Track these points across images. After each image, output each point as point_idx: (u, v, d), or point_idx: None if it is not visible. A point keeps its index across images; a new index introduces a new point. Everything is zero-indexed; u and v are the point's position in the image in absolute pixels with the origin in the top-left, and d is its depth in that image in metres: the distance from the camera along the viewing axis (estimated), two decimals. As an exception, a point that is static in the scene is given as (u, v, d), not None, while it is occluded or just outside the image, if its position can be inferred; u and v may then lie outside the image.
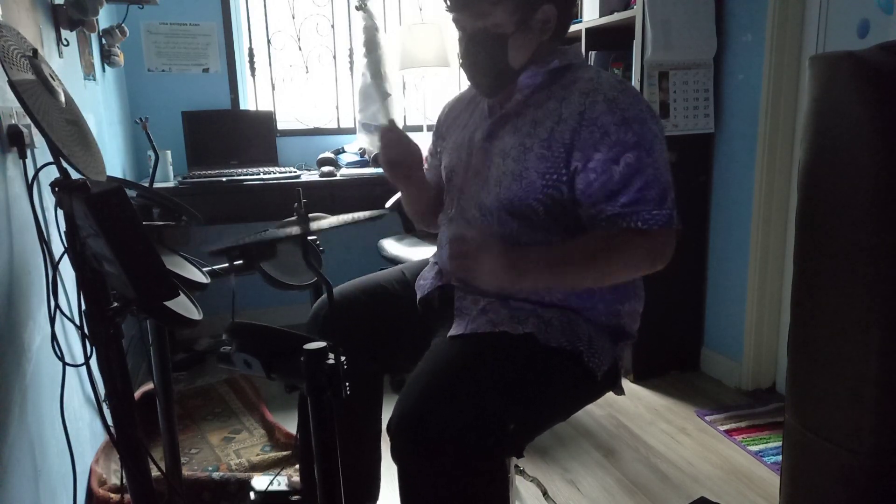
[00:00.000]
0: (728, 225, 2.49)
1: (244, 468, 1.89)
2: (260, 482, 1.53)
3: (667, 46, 2.33)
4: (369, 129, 3.12)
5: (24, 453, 1.23)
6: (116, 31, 2.47)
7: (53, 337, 1.16)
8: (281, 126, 3.20)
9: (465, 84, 1.31)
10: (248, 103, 3.22)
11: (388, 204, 2.60)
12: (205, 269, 1.48)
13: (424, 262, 1.46)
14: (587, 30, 2.65)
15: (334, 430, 0.96)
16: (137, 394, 2.02)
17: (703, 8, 2.35)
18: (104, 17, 2.51)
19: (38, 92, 1.01)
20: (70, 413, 1.50)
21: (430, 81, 3.44)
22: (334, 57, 3.34)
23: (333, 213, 1.21)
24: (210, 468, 1.87)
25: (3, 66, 0.94)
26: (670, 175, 1.13)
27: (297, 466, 1.74)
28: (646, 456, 2.02)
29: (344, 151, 3.13)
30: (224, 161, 2.96)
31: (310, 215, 1.13)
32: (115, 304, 1.06)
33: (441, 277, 1.33)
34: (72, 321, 1.33)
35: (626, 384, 2.54)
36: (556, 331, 1.14)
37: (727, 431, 2.14)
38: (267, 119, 3.07)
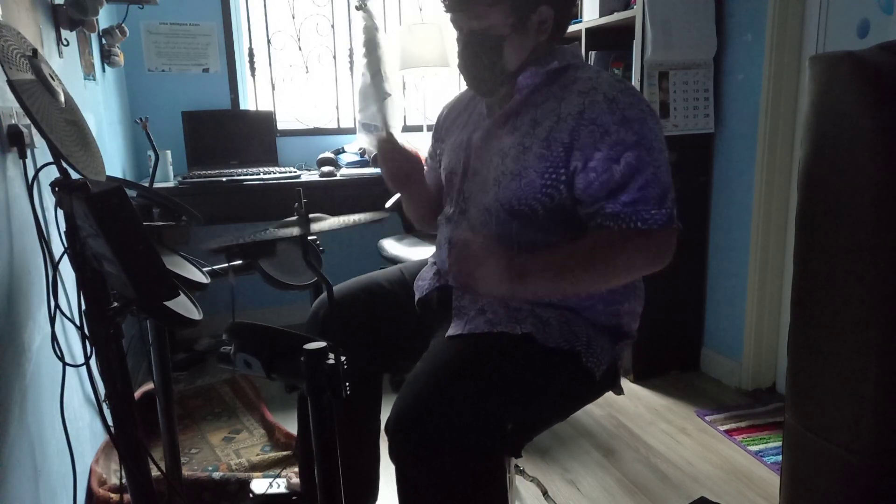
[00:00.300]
0: (728, 225, 2.49)
1: (244, 468, 1.89)
2: (259, 485, 1.53)
3: (667, 46, 2.33)
4: (369, 129, 3.12)
5: (24, 453, 1.23)
6: (116, 31, 2.47)
7: (53, 337, 1.16)
8: (281, 126, 3.20)
9: (465, 84, 1.31)
10: (248, 103, 3.22)
11: (388, 204, 2.60)
12: (205, 269, 1.48)
13: (423, 263, 1.46)
14: (587, 30, 2.65)
15: (334, 431, 0.96)
16: (137, 394, 2.02)
17: (703, 8, 2.35)
18: (104, 17, 2.51)
19: (37, 92, 1.01)
20: (70, 413, 1.50)
21: (430, 81, 3.44)
22: (334, 57, 3.34)
23: (333, 213, 1.21)
24: (210, 468, 1.87)
25: (2, 66, 0.94)
26: (670, 175, 1.13)
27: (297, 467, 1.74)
28: (646, 456, 2.02)
29: (344, 151, 3.13)
30: (224, 161, 2.96)
31: (310, 215, 1.13)
32: (115, 304, 1.06)
33: (439, 278, 1.33)
34: (72, 321, 1.33)
35: (626, 384, 2.54)
36: (555, 331, 1.14)
37: (727, 431, 2.14)
38: (267, 119, 3.07)
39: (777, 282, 2.39)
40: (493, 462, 1.05)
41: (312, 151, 3.20)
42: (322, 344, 0.92)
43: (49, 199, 1.40)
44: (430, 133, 1.53)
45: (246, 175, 2.73)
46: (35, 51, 1.07)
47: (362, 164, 2.96)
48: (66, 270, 1.16)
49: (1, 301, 1.17)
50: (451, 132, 1.40)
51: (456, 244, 1.07)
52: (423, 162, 1.51)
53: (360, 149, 3.09)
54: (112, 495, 1.60)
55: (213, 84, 3.11)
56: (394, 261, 2.47)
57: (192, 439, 2.15)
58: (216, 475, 1.77)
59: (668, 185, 1.12)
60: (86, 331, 1.07)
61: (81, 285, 1.04)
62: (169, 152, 2.79)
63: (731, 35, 2.38)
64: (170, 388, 1.51)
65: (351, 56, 3.34)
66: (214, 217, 2.59)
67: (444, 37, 3.06)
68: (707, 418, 2.23)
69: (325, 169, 2.86)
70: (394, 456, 1.04)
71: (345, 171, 2.90)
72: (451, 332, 1.17)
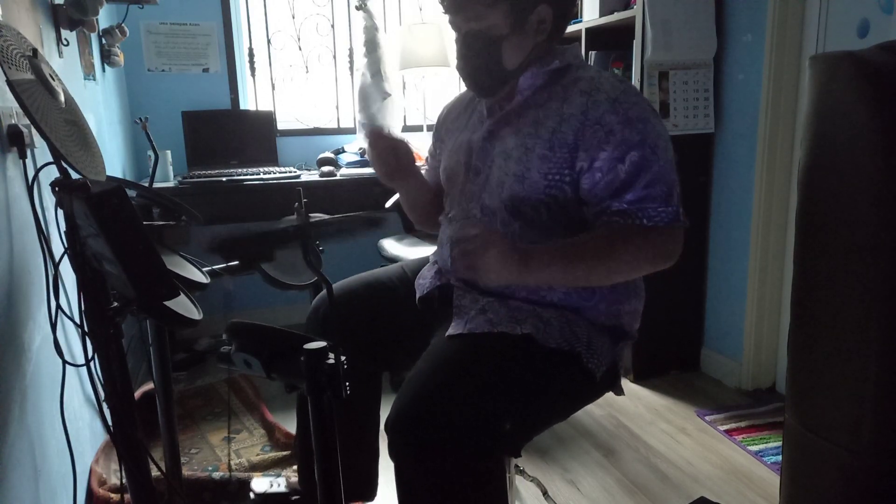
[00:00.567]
0: (728, 225, 2.49)
1: (244, 468, 1.89)
2: (259, 484, 1.53)
3: (667, 46, 2.33)
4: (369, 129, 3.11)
5: (24, 453, 1.23)
6: (116, 31, 2.47)
7: (55, 337, 1.16)
8: (281, 126, 3.20)
9: (465, 85, 1.31)
10: (248, 103, 3.22)
11: (388, 204, 2.61)
12: (205, 269, 1.48)
13: (424, 260, 1.46)
14: (587, 30, 2.65)
15: (334, 430, 0.96)
16: (137, 394, 2.02)
17: (703, 8, 2.35)
18: (104, 17, 2.51)
19: (37, 92, 1.01)
20: (70, 413, 1.50)
21: (430, 81, 3.44)
22: (334, 57, 3.34)
23: (333, 213, 1.21)
24: (210, 468, 1.87)
25: (2, 67, 0.94)
26: (676, 174, 1.13)
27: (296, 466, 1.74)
28: (646, 456, 2.02)
29: (344, 151, 3.13)
30: (224, 161, 2.96)
31: (310, 216, 1.13)
32: (115, 304, 1.06)
33: (441, 277, 1.33)
34: (72, 321, 1.33)
35: (626, 384, 2.54)
36: (555, 331, 1.14)
37: (727, 431, 2.14)
38: (267, 119, 3.07)
39: (777, 282, 2.39)
40: (493, 462, 1.05)
41: (312, 151, 3.20)
42: (322, 344, 0.92)
43: (49, 199, 1.40)
44: (431, 133, 1.53)
45: (246, 175, 2.73)
46: (35, 51, 1.07)
47: (362, 164, 2.96)
48: (66, 270, 1.16)
49: (1, 301, 1.17)
50: (451, 133, 1.40)
51: (459, 238, 1.06)
52: (419, 158, 1.51)
53: (360, 149, 3.09)
54: (112, 495, 1.60)
55: (213, 84, 3.11)
56: (394, 261, 2.47)
57: (192, 439, 2.15)
58: (216, 475, 1.77)
59: (674, 183, 1.12)
60: (86, 331, 1.07)
61: (81, 285, 1.04)
62: (169, 152, 2.79)
63: (731, 35, 2.38)
64: (170, 388, 1.51)
65: (351, 56, 3.34)
66: (214, 217, 2.59)
67: (444, 37, 3.06)
68: (707, 418, 2.23)
69: (325, 169, 2.86)
70: (393, 454, 1.04)
71: (345, 171, 2.90)
72: (451, 331, 1.17)
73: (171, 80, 3.05)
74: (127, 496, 1.20)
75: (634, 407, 2.36)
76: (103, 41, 2.47)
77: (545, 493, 1.76)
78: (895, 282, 1.08)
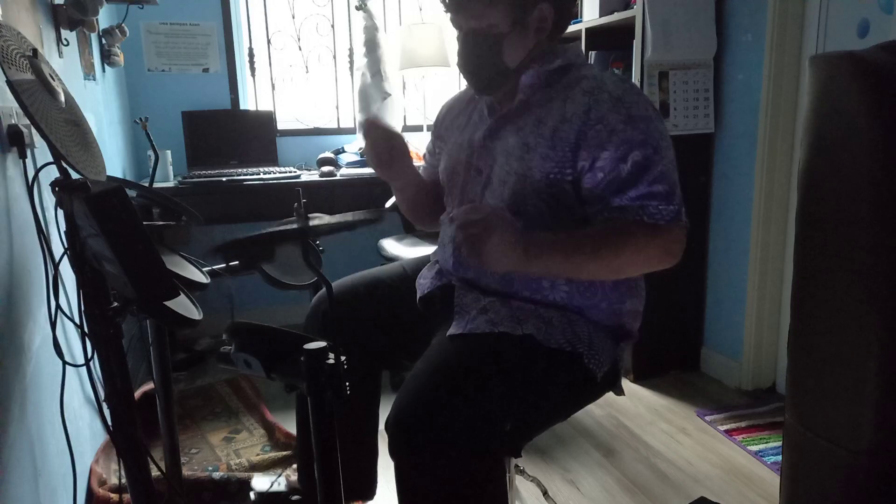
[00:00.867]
0: (728, 225, 2.49)
1: (244, 468, 1.89)
2: (260, 483, 1.53)
3: (667, 46, 2.33)
4: (369, 129, 3.11)
5: (24, 453, 1.23)
6: (116, 31, 2.47)
7: (54, 337, 1.16)
8: (281, 126, 3.20)
9: (465, 84, 1.31)
10: (248, 103, 3.22)
11: (388, 204, 2.61)
12: (205, 269, 1.48)
13: (424, 259, 1.46)
14: (587, 30, 2.65)
15: (334, 430, 0.96)
16: (137, 394, 2.02)
17: (703, 8, 2.35)
18: (104, 17, 2.51)
19: (37, 92, 1.01)
20: (70, 413, 1.50)
21: (430, 81, 3.44)
22: (334, 57, 3.34)
23: (333, 213, 1.20)
24: (210, 468, 1.87)
25: (2, 67, 0.94)
26: (677, 174, 1.13)
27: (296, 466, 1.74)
28: (646, 456, 2.02)
29: (344, 151, 3.13)
30: (224, 161, 2.96)
31: (310, 216, 1.13)
32: (115, 304, 1.06)
33: (441, 277, 1.33)
34: (72, 321, 1.33)
35: (626, 384, 2.54)
36: (557, 331, 1.14)
37: (727, 431, 2.14)
38: (267, 119, 3.07)
39: (777, 282, 2.39)
40: (492, 461, 1.05)
41: (312, 151, 3.20)
42: (322, 344, 0.92)
43: (49, 199, 1.40)
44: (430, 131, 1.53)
45: (246, 175, 2.73)
46: (35, 51, 1.07)
47: (362, 164, 2.96)
48: (66, 270, 1.16)
49: (1, 301, 1.17)
50: (450, 131, 1.40)
51: (464, 223, 1.05)
52: (421, 159, 1.51)
53: (360, 149, 3.09)
54: (112, 495, 1.60)
55: (213, 84, 3.11)
56: (393, 260, 2.47)
57: (192, 439, 2.15)
58: (216, 475, 1.77)
59: (676, 183, 1.12)
60: (86, 331, 1.07)
61: (81, 285, 1.04)
62: (169, 152, 2.79)
63: (731, 35, 2.38)
64: (170, 388, 1.51)
65: (351, 56, 3.34)
66: (214, 217, 2.60)
67: (444, 37, 3.06)
68: (707, 418, 2.23)
69: (325, 169, 2.86)
70: (393, 453, 1.04)
71: (345, 171, 2.90)
72: (452, 331, 1.17)
73: (171, 80, 3.05)
74: (127, 496, 1.20)
75: (634, 407, 2.36)
76: (103, 41, 2.47)
77: (545, 493, 1.76)
78: (895, 282, 1.08)
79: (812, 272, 1.22)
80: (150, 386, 2.02)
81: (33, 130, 1.32)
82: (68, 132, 1.05)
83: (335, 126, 3.37)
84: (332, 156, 3.03)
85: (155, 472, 1.20)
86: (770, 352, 2.45)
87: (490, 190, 1.23)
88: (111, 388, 1.08)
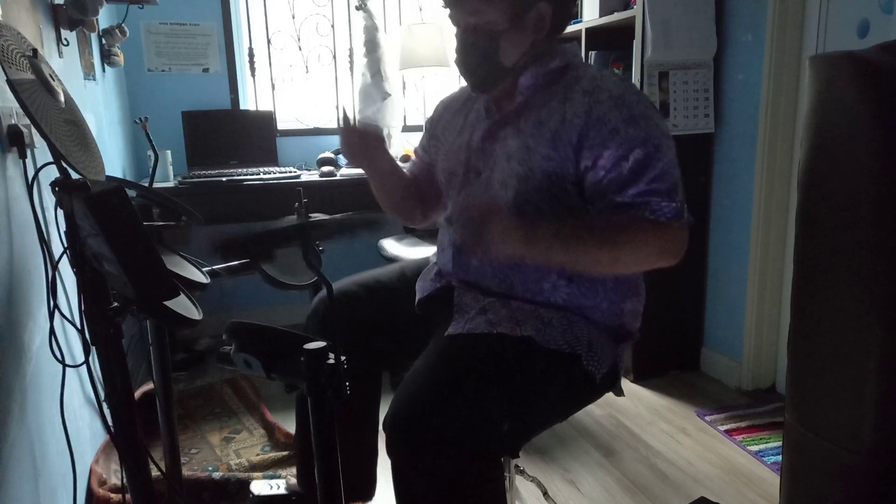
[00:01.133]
0: (728, 225, 2.49)
1: (244, 468, 1.89)
2: (258, 487, 1.53)
3: (667, 46, 2.33)
4: (369, 129, 3.11)
5: (24, 453, 1.23)
6: (116, 31, 2.46)
7: (53, 337, 1.16)
8: (281, 126, 3.20)
9: (464, 82, 1.31)
10: (248, 103, 3.22)
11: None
12: (205, 269, 1.48)
13: (424, 261, 1.46)
14: (587, 30, 2.65)
15: (334, 431, 0.96)
16: (137, 394, 2.02)
17: (703, 8, 2.35)
18: (104, 17, 2.51)
19: (36, 92, 1.01)
20: (70, 413, 1.50)
21: (430, 81, 3.44)
22: (334, 57, 3.34)
23: (333, 213, 1.21)
24: (210, 468, 1.87)
25: (2, 66, 0.94)
26: (679, 172, 1.13)
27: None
28: (646, 456, 2.02)
29: (344, 151, 3.12)
30: (224, 161, 2.96)
31: (309, 216, 1.13)
32: (115, 304, 1.06)
33: (441, 279, 1.33)
34: (71, 322, 1.33)
35: (626, 384, 2.54)
36: (556, 332, 1.14)
37: (727, 431, 2.14)
38: (267, 119, 3.07)
39: (777, 282, 2.39)
40: (489, 461, 1.05)
41: (312, 151, 3.20)
42: (322, 344, 0.92)
43: (49, 199, 1.40)
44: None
45: (246, 175, 2.72)
46: (35, 50, 1.07)
47: (362, 164, 2.96)
48: (66, 270, 1.16)
49: (1, 301, 1.17)
50: (447, 132, 1.39)
51: (467, 207, 1.05)
52: (414, 154, 1.51)
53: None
54: (112, 495, 1.60)
55: (213, 84, 3.10)
56: (394, 261, 2.47)
57: (192, 439, 2.15)
58: (216, 475, 1.77)
59: (678, 181, 1.12)
60: (86, 331, 1.07)
61: (81, 285, 1.04)
62: (169, 152, 2.79)
63: (731, 35, 2.38)
64: (170, 388, 1.51)
65: (351, 56, 3.34)
66: (214, 217, 2.59)
67: (444, 37, 3.06)
68: (707, 418, 2.23)
69: (325, 169, 2.86)
70: (390, 452, 1.05)
71: (345, 171, 2.90)
72: (450, 330, 1.17)
73: (171, 80, 3.05)
74: (127, 496, 1.20)
75: (634, 407, 2.36)
76: (103, 41, 2.46)
77: (545, 493, 1.76)
78: (895, 282, 1.08)
79: (812, 272, 1.22)
80: (150, 386, 2.02)
81: (33, 130, 1.32)
82: (68, 132, 1.05)
83: (335, 126, 3.36)
84: (332, 156, 3.03)
85: (155, 472, 1.20)
86: (770, 352, 2.45)
87: (491, 192, 1.22)
88: (111, 388, 1.08)
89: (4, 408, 1.14)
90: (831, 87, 1.13)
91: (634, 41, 2.37)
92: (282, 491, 1.51)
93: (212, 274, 1.48)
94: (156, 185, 2.45)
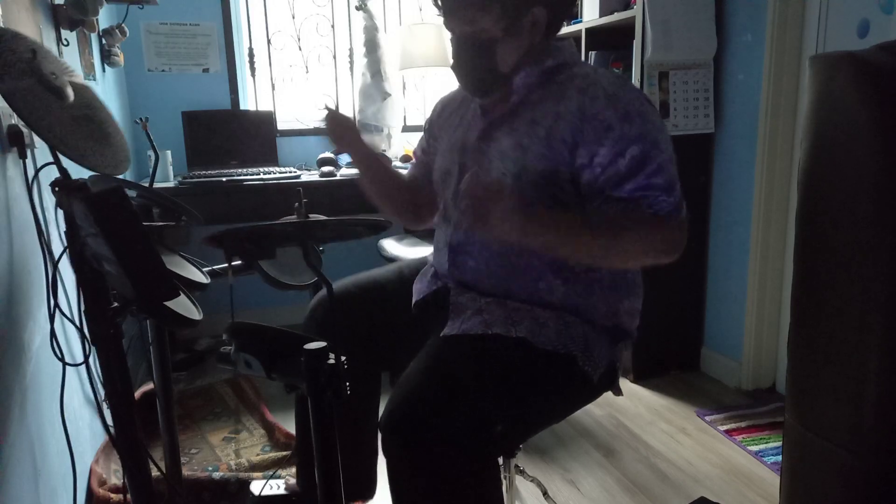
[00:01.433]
0: (728, 225, 2.49)
1: (244, 468, 1.89)
2: (258, 487, 1.53)
3: (667, 46, 2.33)
4: (369, 129, 3.12)
5: (24, 453, 1.23)
6: (116, 31, 2.46)
7: (53, 336, 1.16)
8: (281, 126, 3.20)
9: (460, 85, 1.31)
10: (248, 103, 3.22)
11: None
12: (205, 269, 1.48)
13: (422, 261, 1.46)
14: (587, 30, 2.65)
15: (334, 431, 0.96)
16: (137, 394, 2.02)
17: (703, 8, 2.35)
18: (104, 17, 2.51)
19: (31, 95, 1.00)
20: (70, 413, 1.50)
21: (430, 81, 3.44)
22: (334, 57, 3.34)
23: (333, 213, 1.21)
24: (210, 468, 1.87)
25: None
26: (676, 168, 1.12)
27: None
28: (646, 456, 2.02)
29: (344, 151, 3.13)
30: (224, 161, 2.96)
31: (309, 216, 1.13)
32: (115, 304, 1.06)
33: (437, 280, 1.32)
34: (71, 321, 1.33)
35: (626, 384, 2.54)
36: (552, 333, 1.13)
37: (727, 431, 2.14)
38: (267, 119, 3.07)
39: (777, 282, 2.39)
40: (485, 461, 1.05)
41: (312, 151, 3.20)
42: (322, 344, 0.92)
43: (49, 199, 1.40)
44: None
45: (246, 175, 2.73)
46: (34, 51, 1.06)
47: (362, 164, 2.96)
48: (66, 270, 1.16)
49: (1, 301, 1.17)
50: (444, 130, 1.40)
51: (474, 184, 1.04)
52: (415, 156, 1.51)
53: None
54: (112, 495, 1.60)
55: (213, 84, 3.10)
56: (393, 261, 2.47)
57: (192, 439, 2.15)
58: (216, 475, 1.77)
59: (675, 177, 1.11)
60: (86, 331, 1.07)
61: (81, 285, 1.04)
62: (169, 152, 2.78)
63: (731, 35, 2.38)
64: (170, 388, 1.51)
65: (351, 56, 3.34)
66: (214, 217, 2.59)
67: (444, 37, 3.06)
68: (707, 418, 2.23)
69: (325, 169, 2.86)
70: (386, 452, 1.05)
71: (345, 171, 2.90)
72: (446, 331, 1.17)
73: (171, 80, 3.05)
74: (127, 496, 1.20)
75: (634, 407, 2.36)
76: (103, 41, 2.46)
77: (545, 493, 1.76)
78: (895, 282, 1.08)
79: (812, 272, 1.22)
80: (150, 386, 2.02)
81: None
82: (75, 129, 1.05)
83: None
84: (332, 156, 3.03)
85: (155, 472, 1.20)
86: (770, 352, 2.45)
87: None
88: (111, 388, 1.08)
89: (4, 408, 1.14)
90: (831, 87, 1.13)
91: (634, 41, 2.37)
92: (282, 491, 1.51)
93: (212, 274, 1.48)
94: (156, 185, 2.45)
